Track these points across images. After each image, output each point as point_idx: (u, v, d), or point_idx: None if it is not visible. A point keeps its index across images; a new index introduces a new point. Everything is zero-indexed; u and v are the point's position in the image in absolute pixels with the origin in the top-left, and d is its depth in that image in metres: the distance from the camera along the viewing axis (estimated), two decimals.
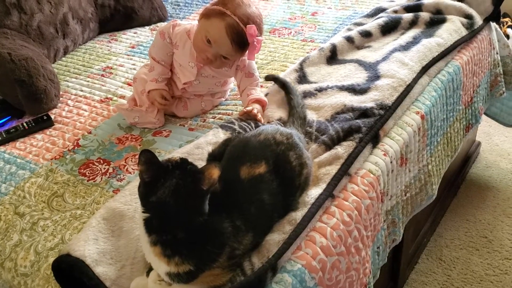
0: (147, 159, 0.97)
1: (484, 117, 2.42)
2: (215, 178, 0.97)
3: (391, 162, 1.39)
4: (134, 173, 1.41)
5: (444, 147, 1.74)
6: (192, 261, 0.96)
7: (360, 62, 1.71)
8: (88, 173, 1.43)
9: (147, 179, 0.98)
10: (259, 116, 1.48)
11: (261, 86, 1.68)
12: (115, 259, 1.10)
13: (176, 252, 0.96)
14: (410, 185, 1.55)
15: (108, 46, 2.26)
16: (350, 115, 1.44)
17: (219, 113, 1.66)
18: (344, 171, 1.26)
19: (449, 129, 1.77)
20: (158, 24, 2.45)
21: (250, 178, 1.09)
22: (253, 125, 1.45)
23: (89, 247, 1.09)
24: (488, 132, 2.74)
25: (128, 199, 1.20)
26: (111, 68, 2.04)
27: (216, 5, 1.49)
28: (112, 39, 2.33)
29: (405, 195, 1.53)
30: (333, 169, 1.26)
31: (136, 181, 1.26)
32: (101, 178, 1.40)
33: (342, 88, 1.57)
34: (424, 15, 1.94)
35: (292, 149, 1.17)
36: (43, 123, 1.69)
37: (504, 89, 2.17)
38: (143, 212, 0.98)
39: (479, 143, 2.58)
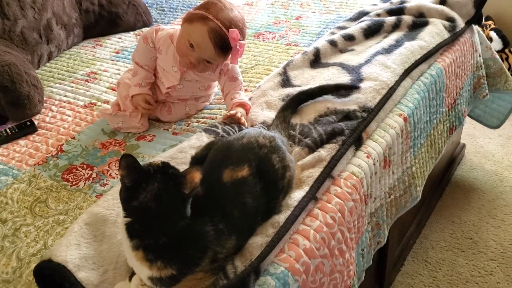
0: (128, 163, 0.97)
1: (468, 119, 2.44)
2: (196, 181, 0.97)
3: (374, 164, 1.39)
4: (117, 178, 1.40)
5: (428, 149, 1.75)
6: (175, 265, 0.96)
7: (343, 66, 1.71)
8: (72, 179, 1.43)
9: (128, 184, 0.98)
10: (243, 119, 1.49)
11: (245, 90, 1.68)
12: (98, 264, 1.09)
13: (159, 256, 0.96)
14: (394, 187, 1.55)
15: (92, 51, 2.26)
16: (333, 118, 1.45)
17: (203, 117, 1.66)
18: (327, 174, 1.27)
19: (433, 131, 1.78)
20: (143, 29, 2.44)
21: (233, 181, 1.09)
22: (236, 129, 1.45)
23: (71, 252, 1.08)
24: (473, 134, 2.76)
25: (110, 204, 1.20)
26: (96, 74, 2.03)
27: (198, 10, 1.50)
28: (96, 45, 2.33)
29: (389, 197, 1.53)
30: (316, 172, 1.26)
31: (118, 186, 1.25)
32: (84, 183, 1.40)
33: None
34: (407, 18, 1.96)
35: (275, 152, 1.17)
36: (27, 128, 1.68)
37: (487, 91, 2.19)
38: (125, 216, 0.98)
39: (463, 145, 2.60)
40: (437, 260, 2.04)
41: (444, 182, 2.40)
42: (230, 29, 1.46)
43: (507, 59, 2.96)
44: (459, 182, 2.45)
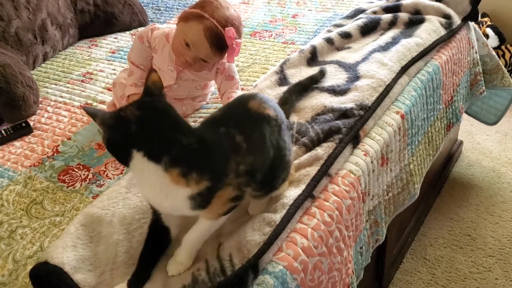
0: (91, 111, 0.96)
1: (465, 116, 2.44)
2: (156, 77, 0.98)
3: (371, 162, 1.39)
4: (114, 178, 1.40)
5: (425, 147, 1.75)
6: (207, 175, 0.93)
7: (340, 63, 1.71)
8: (68, 180, 1.42)
9: (112, 122, 0.94)
10: None
11: (242, 89, 1.67)
12: (94, 265, 1.09)
13: (190, 165, 0.92)
14: (392, 184, 1.55)
15: (88, 51, 2.25)
16: (330, 116, 1.44)
17: (200, 117, 1.66)
18: (324, 172, 1.26)
19: (430, 128, 1.78)
20: (139, 29, 2.43)
21: (258, 113, 1.06)
22: None
23: (68, 254, 1.08)
24: (470, 131, 2.76)
25: (105, 204, 1.19)
26: (91, 74, 2.02)
27: (194, 8, 1.49)
28: (92, 45, 2.32)
29: (387, 194, 1.53)
30: (313, 170, 1.25)
31: (113, 186, 1.25)
32: (81, 184, 1.39)
33: (322, 90, 1.57)
34: (403, 16, 1.95)
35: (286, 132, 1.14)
36: (22, 130, 1.67)
37: (484, 88, 2.18)
38: (138, 151, 0.91)
39: (461, 142, 2.60)
40: (436, 257, 2.04)
41: (442, 179, 2.40)
42: (226, 28, 1.45)
43: (503, 55, 2.96)
44: (457, 179, 2.45)
